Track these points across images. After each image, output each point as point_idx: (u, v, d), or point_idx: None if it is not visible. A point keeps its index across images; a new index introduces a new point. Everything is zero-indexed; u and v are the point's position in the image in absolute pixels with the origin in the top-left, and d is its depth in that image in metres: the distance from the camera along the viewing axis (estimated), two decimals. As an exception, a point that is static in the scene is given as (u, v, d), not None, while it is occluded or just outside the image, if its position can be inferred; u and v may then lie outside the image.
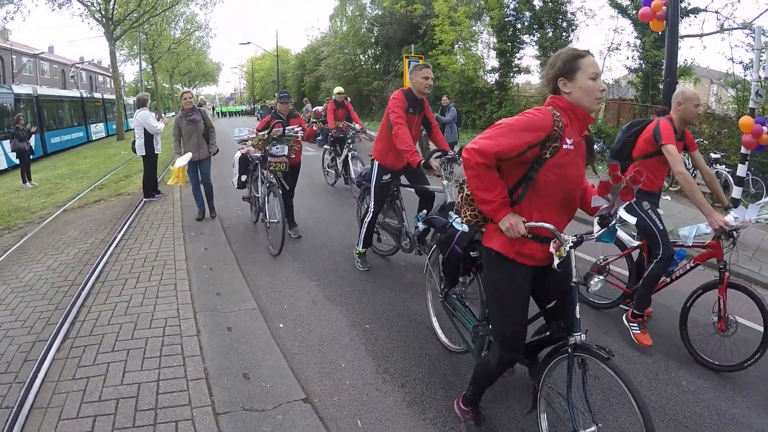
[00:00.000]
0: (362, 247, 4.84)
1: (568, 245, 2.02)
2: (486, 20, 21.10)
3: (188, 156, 6.23)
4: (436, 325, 3.52)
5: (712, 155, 8.98)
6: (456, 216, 2.54)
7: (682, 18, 14.78)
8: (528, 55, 29.96)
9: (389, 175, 4.55)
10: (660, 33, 13.94)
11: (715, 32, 14.06)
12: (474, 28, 22.36)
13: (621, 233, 3.87)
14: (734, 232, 3.22)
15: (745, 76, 11.66)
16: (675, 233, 3.77)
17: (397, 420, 2.62)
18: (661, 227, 3.45)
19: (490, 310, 2.39)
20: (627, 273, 4.05)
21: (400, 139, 4.08)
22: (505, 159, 1.97)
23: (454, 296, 3.14)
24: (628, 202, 1.97)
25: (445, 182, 4.11)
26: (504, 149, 1.93)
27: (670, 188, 9.15)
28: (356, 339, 3.46)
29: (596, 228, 2.08)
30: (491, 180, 2.01)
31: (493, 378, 2.44)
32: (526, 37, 18.82)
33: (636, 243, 3.75)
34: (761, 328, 3.13)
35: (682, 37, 15.04)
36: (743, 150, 6.98)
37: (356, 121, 8.76)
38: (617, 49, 15.53)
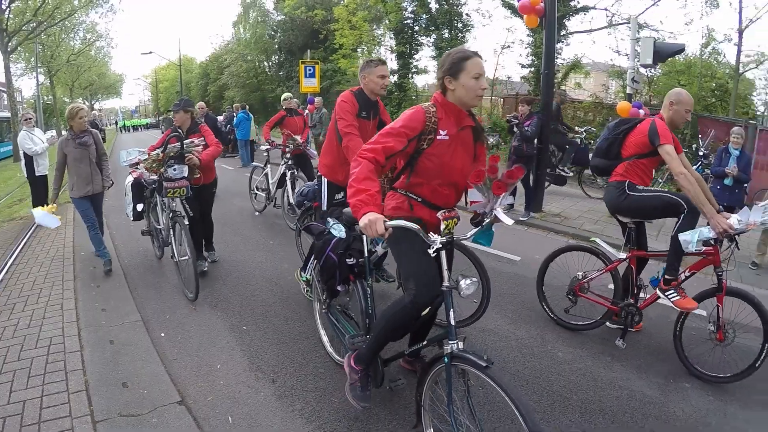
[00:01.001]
0: (309, 274, 3.97)
1: (436, 246, 1.89)
2: (386, 23, 21.39)
3: (53, 222, 4.79)
4: (324, 338, 3.33)
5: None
6: (333, 222, 2.50)
7: (573, 15, 15.82)
8: (426, 56, 30.72)
9: (342, 194, 3.77)
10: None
11: (602, 27, 15.19)
12: (377, 31, 22.64)
13: (604, 245, 3.67)
14: (736, 237, 3.03)
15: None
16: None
17: (266, 413, 2.73)
18: (667, 191, 3.31)
19: (398, 258, 2.38)
20: (613, 288, 3.68)
21: (352, 152, 3.20)
22: (393, 155, 2.19)
23: (338, 307, 3.00)
24: (507, 202, 2.16)
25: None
26: (389, 148, 2.15)
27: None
28: (233, 341, 3.55)
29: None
30: (376, 176, 2.10)
31: (399, 325, 2.30)
32: (423, 39, 19.22)
33: (623, 255, 3.50)
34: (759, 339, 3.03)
35: (572, 33, 16.15)
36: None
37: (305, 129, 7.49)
38: (509, 47, 16.28)
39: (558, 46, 15.17)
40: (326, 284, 2.82)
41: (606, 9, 13.92)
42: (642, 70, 7.72)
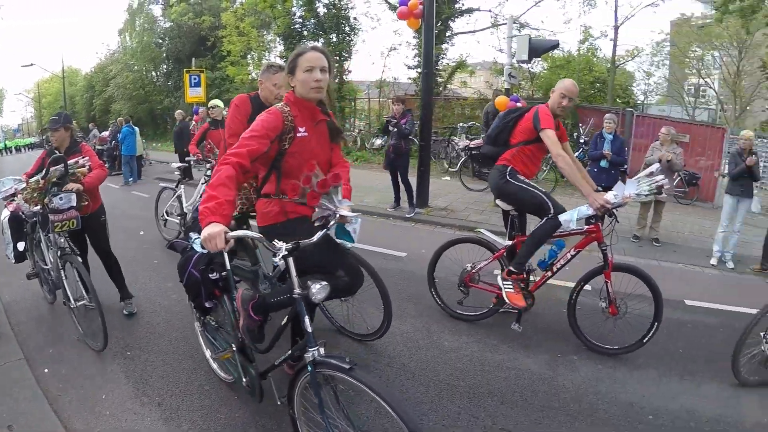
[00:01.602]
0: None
1: (281, 254, 1.77)
2: (274, 28, 20.96)
3: None
4: (207, 355, 3.17)
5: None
6: (196, 237, 2.24)
7: (458, 17, 16.49)
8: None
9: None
10: (436, 30, 15.49)
11: (486, 28, 16.00)
12: (267, 37, 22.11)
13: (488, 233, 3.73)
14: (615, 211, 3.19)
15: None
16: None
17: (153, 437, 2.61)
18: (543, 191, 3.34)
19: None
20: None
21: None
22: (257, 157, 2.17)
23: (214, 323, 2.87)
24: (347, 202, 2.20)
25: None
26: (254, 150, 2.14)
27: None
28: (117, 369, 3.37)
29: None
30: (233, 183, 2.03)
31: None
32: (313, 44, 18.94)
33: (508, 242, 3.56)
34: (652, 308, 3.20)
35: (457, 33, 16.87)
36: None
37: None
38: (395, 49, 16.68)
39: (444, 46, 15.77)
40: (194, 302, 2.65)
41: (490, 10, 14.71)
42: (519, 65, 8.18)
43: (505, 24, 14.51)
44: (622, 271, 3.29)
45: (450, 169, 11.05)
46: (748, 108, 23.11)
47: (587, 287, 3.45)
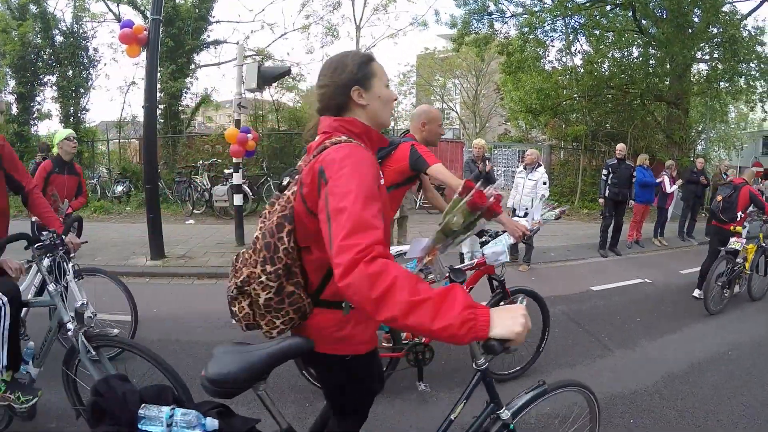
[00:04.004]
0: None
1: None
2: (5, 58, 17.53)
3: None
4: None
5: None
6: None
7: (203, 49, 15.91)
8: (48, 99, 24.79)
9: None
10: (179, 64, 14.68)
11: (231, 60, 15.70)
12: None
13: None
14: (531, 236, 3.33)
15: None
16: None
17: None
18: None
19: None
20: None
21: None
22: None
23: None
24: None
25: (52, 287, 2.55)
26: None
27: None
28: None
29: None
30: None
31: None
32: (48, 78, 16.36)
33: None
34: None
35: (200, 66, 16.27)
36: (234, 159, 7.51)
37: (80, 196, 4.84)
38: (135, 83, 15.40)
39: (187, 80, 14.98)
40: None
41: (237, 42, 14.47)
42: (249, 95, 8.04)
43: (250, 55, 14.61)
44: (519, 294, 3.32)
45: (195, 211, 10.25)
46: (487, 125, 27.50)
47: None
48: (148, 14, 9.15)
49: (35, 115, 15.99)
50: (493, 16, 15.61)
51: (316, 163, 1.34)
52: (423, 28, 22.79)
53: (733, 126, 21.35)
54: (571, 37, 15.43)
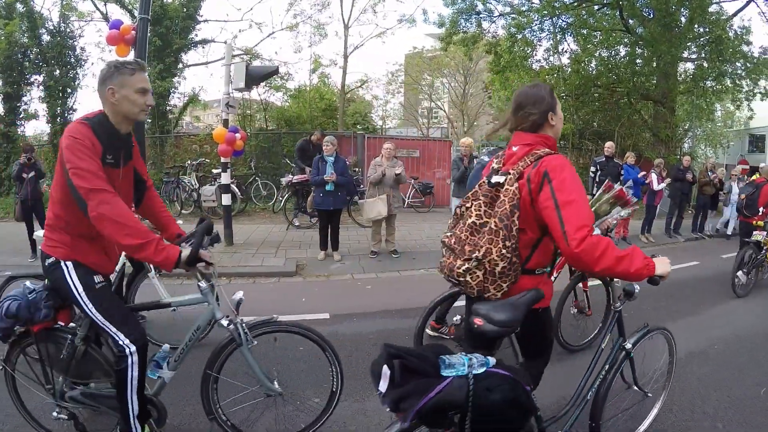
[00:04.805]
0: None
1: None
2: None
3: None
4: None
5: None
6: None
7: (191, 48, 15.83)
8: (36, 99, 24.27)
9: (101, 277, 2.25)
10: (166, 63, 14.61)
11: (219, 59, 15.63)
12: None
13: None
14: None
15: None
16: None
17: None
18: None
19: None
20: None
21: (112, 223, 1.95)
22: None
23: None
24: None
25: (204, 284, 2.34)
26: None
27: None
28: None
29: None
30: None
31: None
32: (35, 77, 16.18)
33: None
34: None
35: (188, 66, 16.20)
36: (222, 159, 7.49)
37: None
38: None
39: (175, 80, 14.89)
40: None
41: (225, 41, 14.42)
42: (237, 94, 8.01)
43: (238, 54, 14.55)
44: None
45: (183, 211, 10.14)
46: (475, 124, 27.53)
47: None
48: (136, 13, 9.08)
49: (22, 115, 15.75)
50: (481, 16, 15.72)
51: (541, 167, 1.82)
52: (411, 25, 22.92)
53: (719, 124, 21.65)
54: (558, 37, 15.56)
